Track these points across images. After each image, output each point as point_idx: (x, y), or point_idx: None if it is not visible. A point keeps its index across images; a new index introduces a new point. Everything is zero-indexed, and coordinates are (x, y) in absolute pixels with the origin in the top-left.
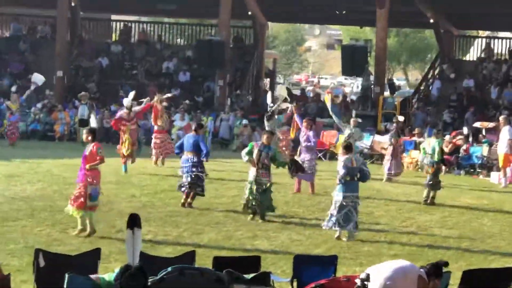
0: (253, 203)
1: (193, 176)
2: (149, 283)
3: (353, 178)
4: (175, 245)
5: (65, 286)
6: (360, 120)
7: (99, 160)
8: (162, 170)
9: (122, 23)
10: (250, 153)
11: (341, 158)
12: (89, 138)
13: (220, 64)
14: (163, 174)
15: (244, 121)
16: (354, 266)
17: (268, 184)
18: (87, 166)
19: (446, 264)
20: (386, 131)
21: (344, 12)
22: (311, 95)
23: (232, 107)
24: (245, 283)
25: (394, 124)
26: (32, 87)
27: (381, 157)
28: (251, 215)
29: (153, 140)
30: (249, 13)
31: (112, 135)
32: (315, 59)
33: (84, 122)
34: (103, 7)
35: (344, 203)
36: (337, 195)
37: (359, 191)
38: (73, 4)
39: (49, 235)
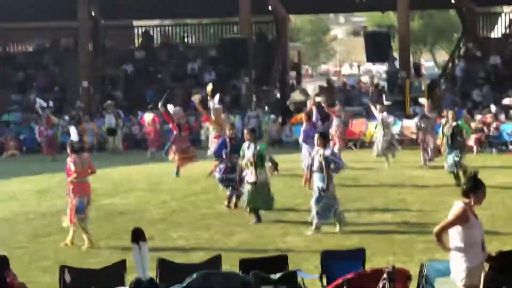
0: (249, 204)
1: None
2: None
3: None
4: (207, 249)
5: None
6: (388, 103)
7: (73, 173)
8: (192, 173)
9: (144, 28)
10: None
11: (324, 150)
12: (68, 150)
13: (245, 61)
14: (194, 177)
15: (272, 117)
16: (388, 256)
17: (255, 183)
18: (69, 179)
19: (476, 173)
20: (414, 116)
21: None
22: (339, 84)
23: (259, 104)
24: (272, 284)
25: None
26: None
27: (411, 142)
28: (254, 217)
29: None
30: (270, 7)
31: (142, 142)
32: (341, 47)
33: (112, 131)
34: (124, 13)
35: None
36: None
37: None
38: (93, 13)
39: (80, 248)
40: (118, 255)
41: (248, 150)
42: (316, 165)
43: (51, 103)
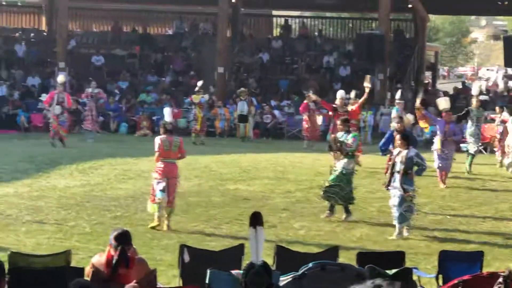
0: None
1: None
2: (289, 279)
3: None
4: (327, 241)
5: (206, 281)
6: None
7: (156, 152)
8: (318, 165)
9: (283, 19)
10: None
11: (408, 151)
12: (161, 131)
13: (380, 58)
14: (320, 169)
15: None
16: (508, 261)
17: (339, 171)
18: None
19: None
20: None
21: (506, 2)
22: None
23: (392, 102)
24: (386, 279)
25: None
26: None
27: None
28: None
29: None
30: (410, 6)
31: (272, 131)
32: (480, 51)
33: (244, 118)
34: (264, 3)
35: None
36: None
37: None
38: (234, 0)
39: (202, 230)
40: (239, 240)
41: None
42: (398, 167)
43: (199, 83)
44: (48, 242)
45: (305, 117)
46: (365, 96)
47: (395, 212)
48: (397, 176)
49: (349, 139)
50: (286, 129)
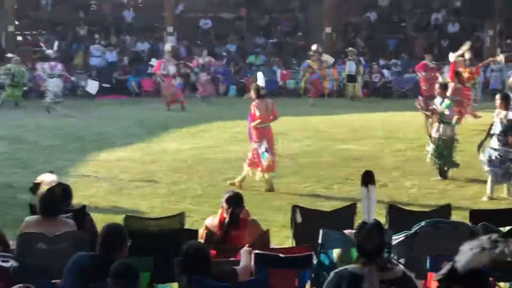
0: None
1: None
2: (401, 238)
3: None
4: (439, 199)
5: (319, 241)
6: None
7: (257, 118)
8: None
9: None
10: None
11: (507, 112)
12: (253, 95)
13: (489, 13)
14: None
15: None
16: None
17: (437, 139)
18: (252, 125)
19: None
20: None
21: None
22: None
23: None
24: (500, 236)
25: None
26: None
27: None
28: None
29: None
30: None
31: (381, 90)
32: None
33: (352, 78)
34: None
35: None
36: None
37: None
38: None
39: (313, 191)
40: (350, 200)
41: (439, 106)
42: (497, 129)
43: (314, 47)
44: (162, 205)
45: (421, 76)
46: (488, 61)
47: (492, 174)
48: (496, 138)
49: (446, 110)
50: (395, 88)
